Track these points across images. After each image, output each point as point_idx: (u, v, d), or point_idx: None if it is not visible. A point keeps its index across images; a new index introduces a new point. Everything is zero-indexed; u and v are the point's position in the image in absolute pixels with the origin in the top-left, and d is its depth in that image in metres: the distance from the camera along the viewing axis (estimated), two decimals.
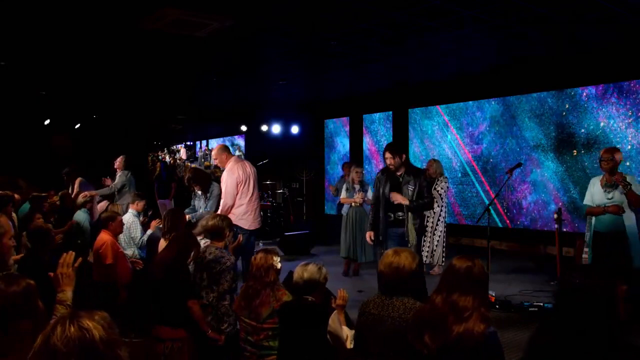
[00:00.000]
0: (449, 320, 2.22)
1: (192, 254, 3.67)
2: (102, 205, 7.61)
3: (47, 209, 6.69)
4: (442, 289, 2.34)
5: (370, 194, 7.35)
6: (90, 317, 1.42)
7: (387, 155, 5.38)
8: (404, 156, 5.38)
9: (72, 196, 7.74)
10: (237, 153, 12.89)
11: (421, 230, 5.48)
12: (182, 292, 3.47)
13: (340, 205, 9.19)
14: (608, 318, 1.80)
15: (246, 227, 5.71)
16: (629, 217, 4.89)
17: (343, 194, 7.68)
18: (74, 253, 2.52)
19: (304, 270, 3.05)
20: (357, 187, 7.52)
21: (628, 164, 7.58)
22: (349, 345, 2.87)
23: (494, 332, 2.26)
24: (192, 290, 3.61)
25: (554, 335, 1.87)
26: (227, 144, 16.18)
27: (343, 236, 7.62)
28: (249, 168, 5.89)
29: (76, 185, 8.49)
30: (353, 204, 7.48)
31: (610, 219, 4.94)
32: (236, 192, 5.69)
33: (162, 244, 4.51)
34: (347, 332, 2.91)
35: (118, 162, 8.31)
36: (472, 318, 2.21)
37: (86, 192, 7.31)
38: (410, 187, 5.32)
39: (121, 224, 5.19)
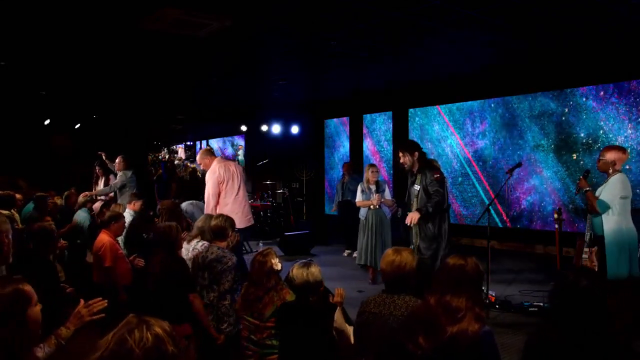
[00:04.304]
0: (443, 321, 2.21)
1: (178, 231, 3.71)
2: (96, 205, 7.57)
3: (51, 208, 6.72)
4: (436, 290, 2.33)
5: (387, 194, 7.07)
6: (162, 327, 1.40)
7: (399, 154, 5.21)
8: (416, 154, 5.14)
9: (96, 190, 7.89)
10: (240, 152, 12.91)
11: (434, 238, 5.05)
12: (181, 286, 3.48)
13: (345, 207, 9.18)
14: (602, 316, 1.81)
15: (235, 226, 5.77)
16: (610, 221, 4.59)
17: (359, 197, 7.09)
18: (105, 304, 2.41)
19: (307, 273, 3.00)
20: (372, 187, 7.00)
21: (628, 167, 7.56)
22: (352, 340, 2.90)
23: (489, 331, 2.25)
24: (191, 284, 3.63)
25: (550, 334, 1.88)
26: (227, 144, 16.23)
27: (361, 242, 7.06)
28: (234, 167, 5.97)
29: (102, 182, 8.57)
30: (372, 206, 6.96)
31: (595, 221, 4.78)
32: (218, 190, 5.79)
33: None
34: (348, 328, 2.94)
35: (117, 163, 8.30)
36: (466, 318, 2.20)
37: (86, 192, 7.32)
38: (416, 188, 5.15)
39: (123, 226, 5.10)
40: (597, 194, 4.73)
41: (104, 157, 8.87)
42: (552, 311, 1.95)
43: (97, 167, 8.86)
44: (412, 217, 5.03)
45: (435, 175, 4.99)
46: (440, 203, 5.02)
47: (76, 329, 2.32)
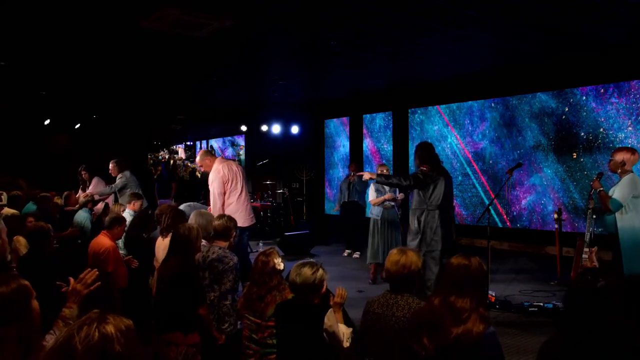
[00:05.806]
0: (448, 322, 2.21)
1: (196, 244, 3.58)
2: (99, 207, 7.56)
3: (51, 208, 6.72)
4: (440, 290, 2.33)
5: (398, 193, 7.09)
6: (117, 325, 1.37)
7: None
8: (417, 160, 5.36)
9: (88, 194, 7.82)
10: (241, 152, 12.93)
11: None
12: (193, 300, 3.39)
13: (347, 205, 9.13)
14: (621, 319, 1.80)
15: (238, 225, 5.76)
16: (624, 219, 4.72)
17: (373, 195, 7.04)
18: (97, 273, 2.40)
19: (297, 274, 2.97)
20: (387, 186, 6.85)
21: None
22: (346, 343, 2.85)
23: (493, 332, 2.25)
24: (201, 296, 3.49)
25: (567, 336, 1.87)
26: (227, 144, 16.23)
27: (372, 240, 6.99)
28: (236, 167, 5.98)
29: (93, 184, 8.52)
30: (387, 203, 6.94)
31: (608, 219, 4.91)
32: (223, 190, 5.78)
33: (160, 242, 4.44)
34: (344, 330, 2.89)
35: (111, 170, 8.15)
36: (471, 319, 2.20)
37: (87, 192, 7.32)
38: None
39: (124, 229, 5.07)
40: (610, 193, 4.87)
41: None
42: (569, 313, 1.94)
43: (82, 171, 8.84)
44: (366, 174, 5.56)
45: (422, 168, 5.22)
46: (395, 184, 5.45)
47: (80, 307, 2.31)
